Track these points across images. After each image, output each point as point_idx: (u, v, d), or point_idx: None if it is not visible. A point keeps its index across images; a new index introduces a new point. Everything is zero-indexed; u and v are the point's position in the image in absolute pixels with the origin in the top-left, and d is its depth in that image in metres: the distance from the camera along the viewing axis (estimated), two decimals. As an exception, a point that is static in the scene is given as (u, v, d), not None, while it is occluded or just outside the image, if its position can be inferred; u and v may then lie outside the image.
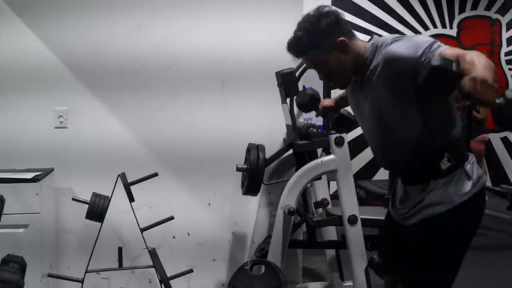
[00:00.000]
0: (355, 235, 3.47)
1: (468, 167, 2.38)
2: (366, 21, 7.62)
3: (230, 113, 4.18)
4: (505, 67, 8.30)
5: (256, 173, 3.67)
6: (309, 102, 3.63)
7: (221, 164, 4.16)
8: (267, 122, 4.21)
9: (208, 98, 4.15)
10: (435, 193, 2.36)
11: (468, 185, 2.35)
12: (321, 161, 3.55)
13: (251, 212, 4.21)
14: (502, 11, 8.24)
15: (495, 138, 7.59)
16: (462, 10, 8.13)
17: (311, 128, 3.77)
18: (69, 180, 3.97)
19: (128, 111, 4.07)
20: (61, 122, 3.98)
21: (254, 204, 4.18)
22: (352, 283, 4.00)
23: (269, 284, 3.30)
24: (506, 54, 8.28)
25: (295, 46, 2.46)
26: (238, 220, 4.25)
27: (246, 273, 3.44)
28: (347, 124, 3.49)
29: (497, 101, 1.89)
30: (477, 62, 1.92)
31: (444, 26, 8.09)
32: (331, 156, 3.56)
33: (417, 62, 2.16)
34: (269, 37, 4.16)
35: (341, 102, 3.27)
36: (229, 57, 4.15)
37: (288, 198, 3.53)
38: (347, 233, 3.49)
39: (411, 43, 2.22)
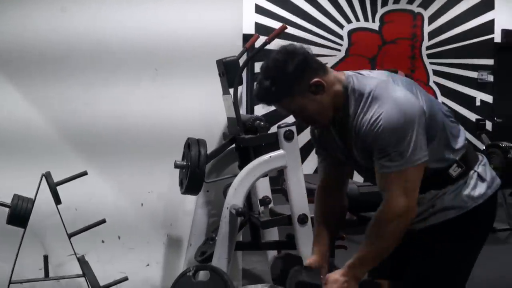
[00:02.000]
0: (305, 235, 3.26)
1: (480, 168, 2.22)
2: (289, 12, 7.44)
3: (164, 105, 3.87)
4: (426, 61, 8.34)
5: (198, 170, 3.39)
6: None
7: (155, 160, 3.85)
8: (204, 114, 3.95)
9: (140, 89, 3.82)
10: (448, 197, 2.19)
11: (482, 188, 2.20)
12: (270, 156, 3.30)
13: (187, 212, 3.93)
14: (425, 4, 8.27)
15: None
16: (384, 3, 8.10)
17: (258, 121, 3.53)
18: (-16, 179, 3.53)
19: (51, 102, 3.68)
20: (-26, 113, 3.54)
21: (190, 204, 3.90)
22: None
23: (217, 292, 3.03)
24: (428, 48, 8.32)
25: (265, 97, 2.14)
26: (174, 221, 3.95)
27: (189, 280, 3.15)
28: None
29: None
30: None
31: (366, 20, 8.02)
32: (281, 152, 3.33)
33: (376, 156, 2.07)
34: (207, 23, 3.91)
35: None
36: (163, 44, 3.84)
37: (235, 197, 3.28)
38: (297, 233, 3.29)
39: (388, 129, 2.01)
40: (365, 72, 2.20)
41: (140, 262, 3.88)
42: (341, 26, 7.82)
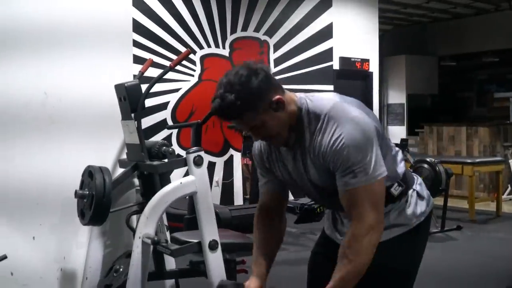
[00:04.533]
0: (216, 261, 3.23)
1: (418, 187, 2.34)
2: (142, 35, 7.34)
3: (53, 134, 3.66)
4: (274, 87, 8.63)
5: (104, 199, 3.24)
6: None
7: (45, 191, 3.63)
8: (96, 141, 3.78)
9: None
10: (392, 216, 2.27)
11: (423, 205, 2.31)
12: (181, 183, 3.24)
13: (81, 244, 3.73)
14: (270, 33, 8.55)
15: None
16: (233, 31, 8.26)
17: (165, 147, 3.45)
18: None
19: None
20: None
21: (84, 235, 3.71)
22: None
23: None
24: (274, 74, 8.46)
25: (228, 112, 2.12)
26: (67, 254, 3.75)
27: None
28: None
29: None
30: None
31: (217, 46, 8.14)
32: (191, 178, 3.28)
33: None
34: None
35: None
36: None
37: (147, 226, 3.17)
38: (208, 259, 3.23)
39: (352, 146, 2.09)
40: (315, 94, 2.26)
41: (33, 299, 3.63)
42: (193, 52, 7.86)
